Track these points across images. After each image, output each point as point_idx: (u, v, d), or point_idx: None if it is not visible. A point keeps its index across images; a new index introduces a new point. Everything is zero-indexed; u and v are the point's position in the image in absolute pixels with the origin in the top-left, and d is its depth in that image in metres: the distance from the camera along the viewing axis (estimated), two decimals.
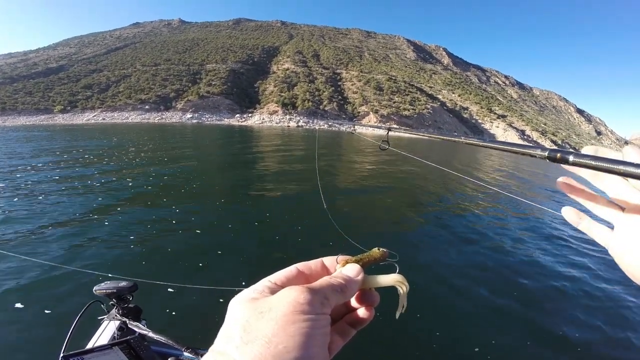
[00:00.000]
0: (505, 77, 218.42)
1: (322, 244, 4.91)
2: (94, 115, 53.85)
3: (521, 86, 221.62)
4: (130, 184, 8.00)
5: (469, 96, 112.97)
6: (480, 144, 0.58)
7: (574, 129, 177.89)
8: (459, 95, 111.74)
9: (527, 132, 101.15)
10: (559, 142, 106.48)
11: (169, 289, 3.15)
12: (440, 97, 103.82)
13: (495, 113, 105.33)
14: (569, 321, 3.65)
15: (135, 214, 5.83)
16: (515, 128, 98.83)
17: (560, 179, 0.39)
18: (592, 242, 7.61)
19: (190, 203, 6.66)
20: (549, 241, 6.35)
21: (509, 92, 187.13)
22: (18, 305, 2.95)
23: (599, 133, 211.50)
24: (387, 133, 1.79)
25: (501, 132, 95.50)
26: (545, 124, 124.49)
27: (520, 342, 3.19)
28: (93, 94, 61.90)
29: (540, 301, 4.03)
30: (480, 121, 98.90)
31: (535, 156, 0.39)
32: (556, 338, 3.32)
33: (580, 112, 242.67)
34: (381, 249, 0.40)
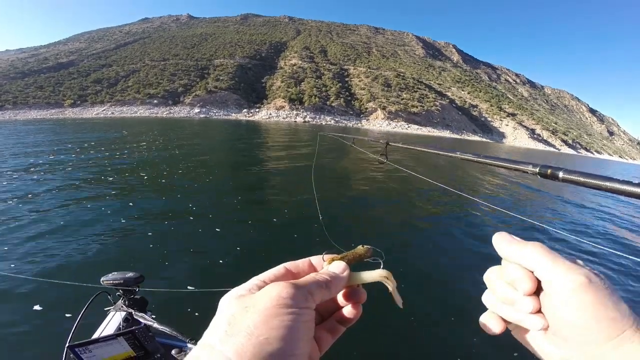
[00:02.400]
0: (516, 75, 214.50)
1: (320, 247, 4.81)
2: (103, 110, 54.36)
3: (532, 85, 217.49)
4: (145, 177, 7.95)
5: (478, 94, 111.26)
6: (474, 159, 0.58)
7: (586, 128, 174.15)
8: (468, 93, 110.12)
9: (537, 130, 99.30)
10: (570, 141, 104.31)
11: (189, 287, 3.13)
12: (449, 94, 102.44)
13: (505, 111, 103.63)
14: None
15: (151, 209, 5.74)
16: (525, 127, 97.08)
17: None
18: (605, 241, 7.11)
19: (205, 199, 6.57)
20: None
21: (519, 90, 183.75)
22: (37, 307, 2.97)
23: (611, 133, 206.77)
24: (385, 147, 1.67)
25: (511, 130, 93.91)
26: (556, 123, 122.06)
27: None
28: (102, 88, 62.44)
29: None
30: (489, 119, 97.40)
31: (527, 172, 0.40)
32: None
33: (592, 111, 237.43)
34: (365, 246, 0.41)
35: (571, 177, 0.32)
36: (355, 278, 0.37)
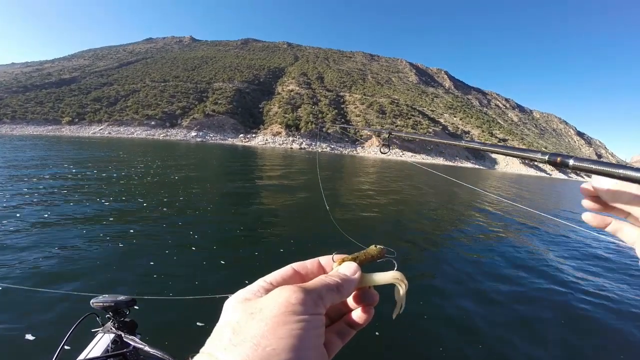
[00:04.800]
0: (506, 100, 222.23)
1: (333, 246, 5.23)
2: (100, 129, 54.79)
3: (521, 109, 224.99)
4: (144, 204, 7.78)
5: (470, 120, 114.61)
6: (482, 148, 0.57)
7: (575, 152, 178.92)
8: (460, 119, 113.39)
9: None
10: None
11: (197, 322, 3.15)
12: (442, 120, 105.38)
13: (496, 137, 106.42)
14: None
15: (152, 235, 5.72)
16: None
17: (585, 185, 0.41)
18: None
19: (207, 227, 6.54)
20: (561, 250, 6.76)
21: (509, 115, 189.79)
22: (28, 336, 2.82)
23: (599, 156, 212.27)
24: (388, 136, 1.73)
25: (502, 157, 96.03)
26: (545, 148, 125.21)
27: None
28: (102, 107, 62.94)
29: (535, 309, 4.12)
30: None
31: (536, 160, 0.41)
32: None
33: (580, 134, 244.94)
34: (378, 246, 0.39)
35: (582, 164, 0.33)
36: (366, 280, 0.36)
